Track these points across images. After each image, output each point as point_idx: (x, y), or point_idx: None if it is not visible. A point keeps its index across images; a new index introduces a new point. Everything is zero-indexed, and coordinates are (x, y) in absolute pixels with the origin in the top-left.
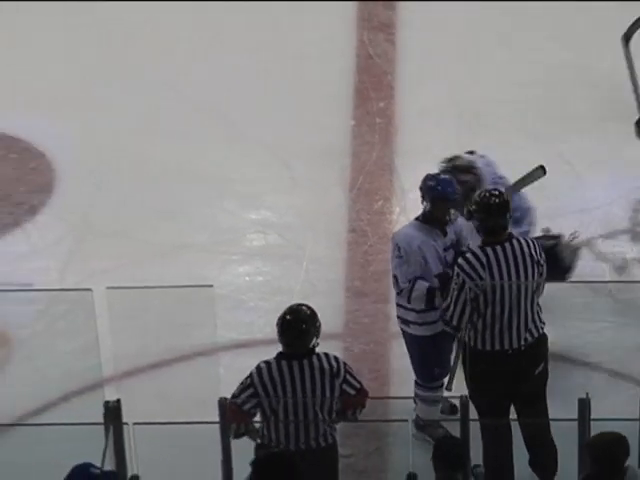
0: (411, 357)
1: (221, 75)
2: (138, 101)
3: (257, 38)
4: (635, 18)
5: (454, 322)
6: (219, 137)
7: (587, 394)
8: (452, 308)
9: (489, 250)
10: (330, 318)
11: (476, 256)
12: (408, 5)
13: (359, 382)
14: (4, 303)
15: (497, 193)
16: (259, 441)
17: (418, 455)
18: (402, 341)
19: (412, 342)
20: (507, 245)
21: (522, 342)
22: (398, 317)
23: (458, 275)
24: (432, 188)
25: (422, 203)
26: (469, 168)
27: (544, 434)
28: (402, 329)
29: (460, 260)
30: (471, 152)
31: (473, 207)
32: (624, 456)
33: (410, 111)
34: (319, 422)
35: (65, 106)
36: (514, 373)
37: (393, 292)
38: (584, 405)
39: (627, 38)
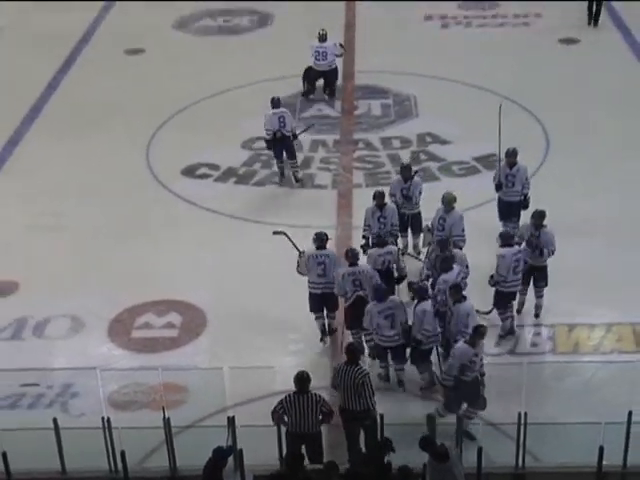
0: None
1: None
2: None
3: None
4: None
5: None
6: None
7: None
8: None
9: None
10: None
11: None
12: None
13: (329, 408)
14: (185, 375)
15: None
16: (287, 428)
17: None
18: None
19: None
20: None
21: None
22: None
23: None
24: None
25: None
26: None
27: None
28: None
29: None
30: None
31: None
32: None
33: None
34: (312, 422)
35: (216, 281)
36: None
37: None
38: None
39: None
